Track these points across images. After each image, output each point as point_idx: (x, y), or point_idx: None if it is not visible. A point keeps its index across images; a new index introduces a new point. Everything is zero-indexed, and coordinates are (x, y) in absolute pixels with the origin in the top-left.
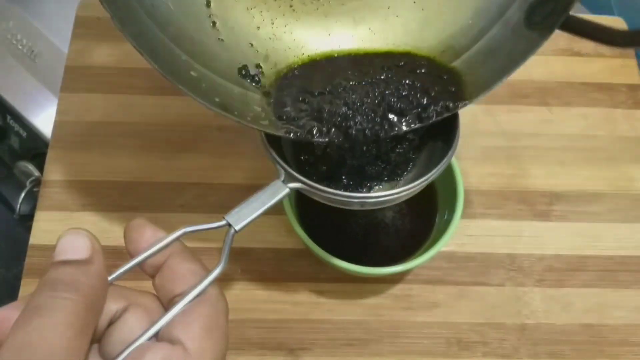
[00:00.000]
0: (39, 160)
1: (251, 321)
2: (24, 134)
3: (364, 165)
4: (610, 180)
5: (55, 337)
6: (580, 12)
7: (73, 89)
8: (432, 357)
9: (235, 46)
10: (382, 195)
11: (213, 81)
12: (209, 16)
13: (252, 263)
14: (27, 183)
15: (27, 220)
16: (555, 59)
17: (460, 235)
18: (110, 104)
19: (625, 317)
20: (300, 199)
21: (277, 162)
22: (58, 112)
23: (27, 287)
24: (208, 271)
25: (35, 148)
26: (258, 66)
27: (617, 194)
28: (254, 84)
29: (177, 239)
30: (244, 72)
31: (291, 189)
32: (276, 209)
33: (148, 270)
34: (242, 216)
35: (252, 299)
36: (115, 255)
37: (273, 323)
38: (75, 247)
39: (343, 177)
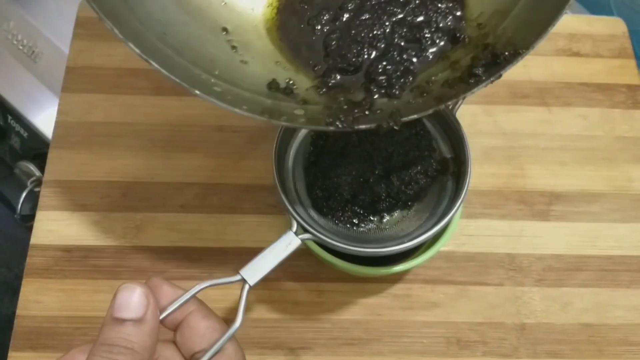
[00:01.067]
0: (40, 160)
1: (251, 321)
2: (25, 134)
3: (375, 201)
4: (609, 180)
5: None
6: (580, 13)
7: (74, 89)
8: (432, 357)
9: (260, 65)
10: (393, 249)
11: (239, 94)
12: (228, 41)
13: None
14: (28, 183)
15: (28, 220)
16: (554, 59)
17: (460, 235)
18: (111, 104)
19: (624, 317)
20: None
21: (290, 214)
22: (59, 112)
23: (28, 287)
24: (225, 326)
25: (36, 148)
26: (289, 80)
27: (617, 194)
28: (287, 96)
29: (195, 295)
30: (273, 87)
31: (303, 241)
32: (276, 209)
33: (169, 326)
34: (257, 271)
35: (252, 299)
36: (116, 255)
37: (273, 323)
38: (130, 304)
39: (355, 208)
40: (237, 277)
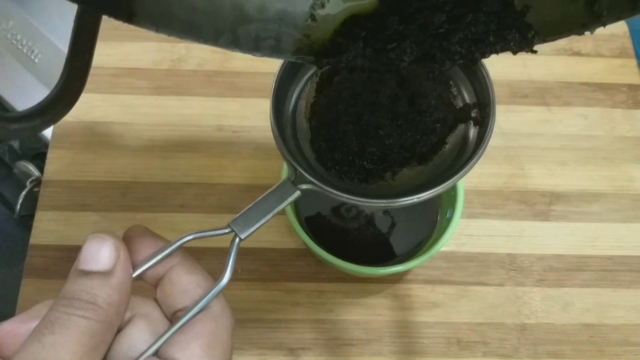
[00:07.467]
0: (39, 160)
1: (251, 321)
2: None
3: (386, 154)
4: (610, 180)
5: (67, 355)
6: None
7: None
8: (432, 357)
9: None
10: (403, 202)
11: None
12: None
13: (252, 263)
14: (27, 183)
15: (27, 220)
16: (555, 59)
17: (460, 235)
18: (110, 103)
19: (625, 317)
20: (300, 199)
21: (287, 160)
22: None
23: (27, 287)
24: (212, 282)
25: (35, 148)
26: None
27: (617, 194)
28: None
29: (178, 248)
30: None
31: (302, 191)
32: None
33: (150, 281)
34: (248, 222)
35: (252, 299)
36: None
37: (273, 323)
38: (98, 256)
39: (364, 162)
40: (227, 230)
